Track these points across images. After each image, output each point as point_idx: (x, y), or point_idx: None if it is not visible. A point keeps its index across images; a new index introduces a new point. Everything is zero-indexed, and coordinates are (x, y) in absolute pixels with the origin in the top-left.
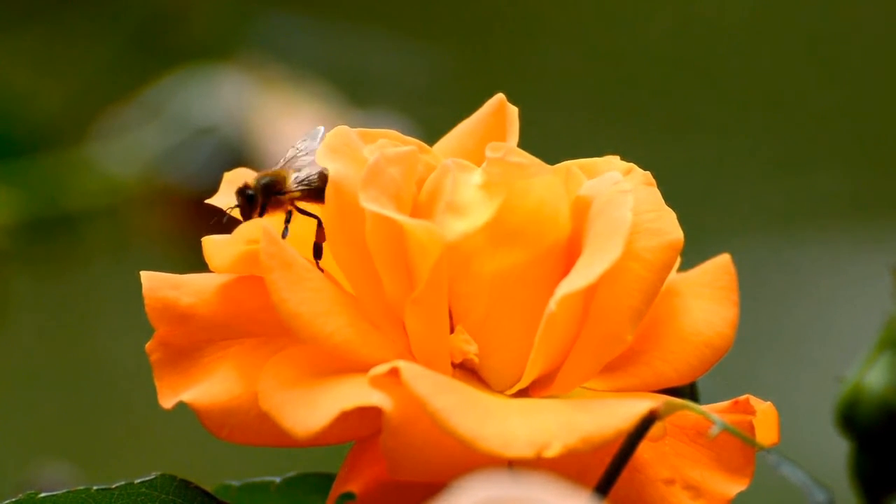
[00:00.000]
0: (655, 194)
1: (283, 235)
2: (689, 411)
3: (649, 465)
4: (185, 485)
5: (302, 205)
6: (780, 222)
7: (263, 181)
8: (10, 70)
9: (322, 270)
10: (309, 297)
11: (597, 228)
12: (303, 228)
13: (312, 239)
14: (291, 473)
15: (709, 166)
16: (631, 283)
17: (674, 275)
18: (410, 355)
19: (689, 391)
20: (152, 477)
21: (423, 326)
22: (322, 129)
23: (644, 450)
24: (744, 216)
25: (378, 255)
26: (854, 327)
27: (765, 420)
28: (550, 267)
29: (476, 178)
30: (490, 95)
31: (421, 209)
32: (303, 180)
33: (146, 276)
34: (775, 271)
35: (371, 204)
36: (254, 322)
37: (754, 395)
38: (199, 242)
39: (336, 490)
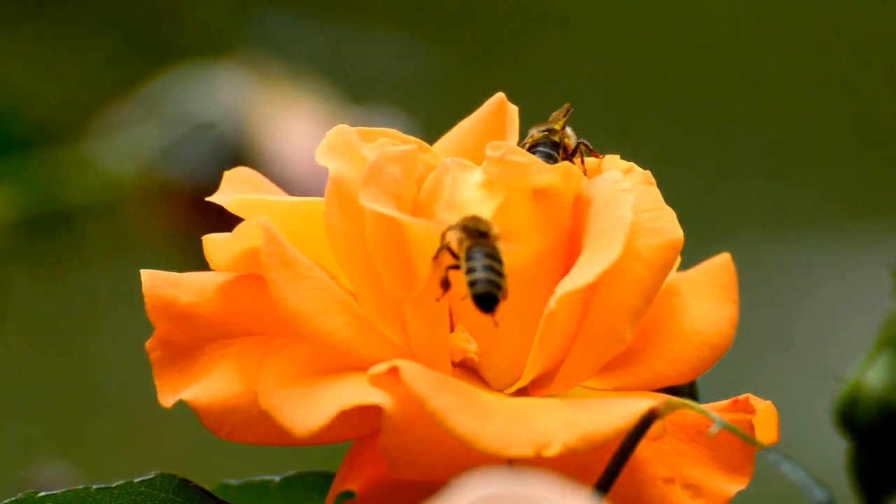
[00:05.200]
0: (655, 193)
1: None
2: (689, 410)
3: (649, 463)
4: (185, 483)
5: None
6: (779, 222)
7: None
8: (8, 67)
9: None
10: (309, 295)
11: (597, 227)
12: (303, 227)
13: (312, 237)
14: (291, 472)
15: (709, 166)
16: (631, 282)
17: (674, 274)
18: (410, 354)
19: (688, 390)
20: (152, 476)
21: (423, 325)
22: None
23: (644, 448)
24: (743, 216)
25: (378, 254)
26: (854, 327)
27: (764, 419)
28: (550, 265)
29: (476, 177)
30: (490, 94)
31: (421, 208)
32: None
33: (146, 275)
34: (775, 271)
35: (371, 203)
36: (254, 320)
37: (754, 394)
38: (198, 239)
39: (335, 489)
